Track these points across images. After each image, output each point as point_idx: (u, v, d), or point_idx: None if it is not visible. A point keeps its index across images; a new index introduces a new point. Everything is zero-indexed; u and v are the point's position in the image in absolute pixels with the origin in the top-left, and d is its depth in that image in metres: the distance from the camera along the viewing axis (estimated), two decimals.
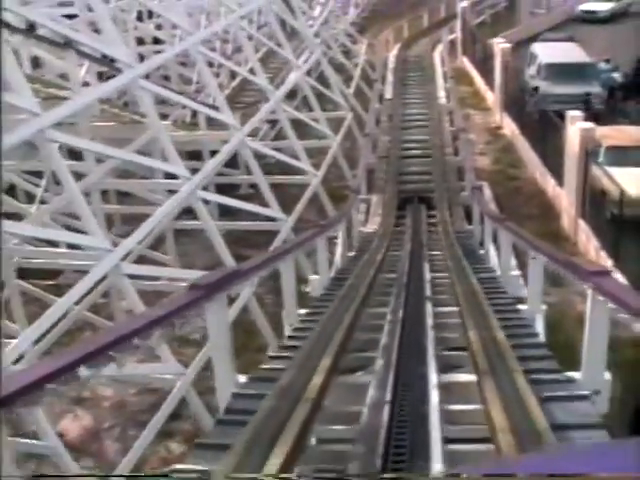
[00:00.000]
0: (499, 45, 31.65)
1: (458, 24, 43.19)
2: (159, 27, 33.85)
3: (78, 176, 17.43)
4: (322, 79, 30.38)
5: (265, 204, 19.93)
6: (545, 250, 9.21)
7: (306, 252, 14.81)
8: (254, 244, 20.35)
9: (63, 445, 12.53)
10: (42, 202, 19.97)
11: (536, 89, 29.28)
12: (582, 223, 20.68)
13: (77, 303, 14.37)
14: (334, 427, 5.97)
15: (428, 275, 12.83)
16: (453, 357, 7.74)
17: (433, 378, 6.51)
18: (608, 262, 18.48)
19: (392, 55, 40.82)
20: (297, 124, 24.98)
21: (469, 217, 21.30)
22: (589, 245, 20.02)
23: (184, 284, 14.84)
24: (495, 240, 15.95)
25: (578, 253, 19.82)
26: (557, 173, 22.78)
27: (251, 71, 25.63)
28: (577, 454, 1.59)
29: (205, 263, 19.29)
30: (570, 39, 36.94)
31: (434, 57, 39.53)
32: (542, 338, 8.66)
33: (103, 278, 13.48)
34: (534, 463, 1.57)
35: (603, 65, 31.31)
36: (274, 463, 4.38)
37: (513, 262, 14.03)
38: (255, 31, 31.26)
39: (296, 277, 10.51)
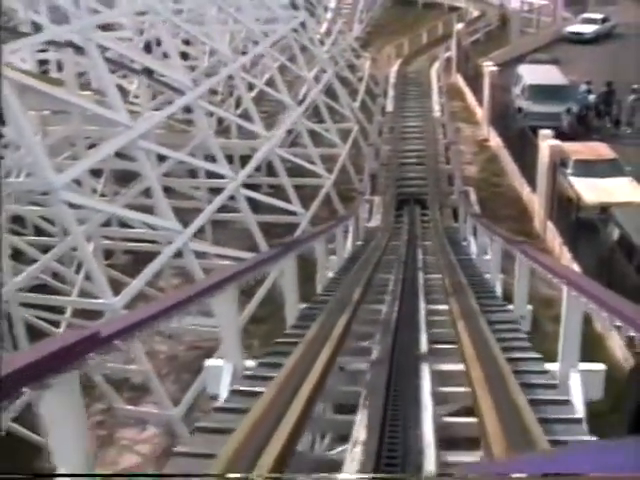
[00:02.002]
0: (487, 68, 35.82)
1: (453, 43, 47.25)
2: (187, 42, 37.77)
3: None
4: (329, 92, 34.41)
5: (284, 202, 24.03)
6: (499, 232, 13.50)
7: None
8: (275, 234, 24.41)
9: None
10: (102, 195, 24.08)
11: (520, 109, 33.28)
12: (550, 224, 24.88)
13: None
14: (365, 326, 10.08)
15: (421, 257, 17.01)
16: (436, 298, 11.87)
17: (422, 305, 10.69)
18: (568, 255, 22.70)
19: (393, 71, 45.03)
20: (309, 133, 29.05)
21: (456, 217, 25.48)
22: (555, 242, 24.18)
23: (227, 262, 18.93)
24: (475, 234, 20.14)
25: (546, 248, 23.93)
26: (532, 181, 26.98)
27: (269, 84, 29.86)
28: (574, 453, 1.60)
29: (236, 248, 23.35)
30: (555, 61, 41.05)
31: (431, 74, 43.75)
32: (496, 290, 12.89)
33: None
34: (530, 463, 1.59)
35: (584, 86, 35.20)
36: (340, 325, 8.46)
37: (488, 249, 18.14)
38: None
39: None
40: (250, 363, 7.77)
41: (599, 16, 52.66)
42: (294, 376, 6.60)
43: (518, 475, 1.46)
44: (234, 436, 4.98)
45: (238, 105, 33.13)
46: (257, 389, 6.45)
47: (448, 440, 5.82)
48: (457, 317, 9.05)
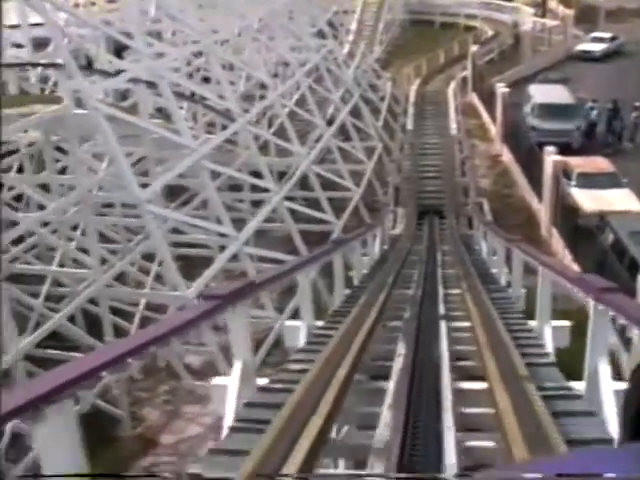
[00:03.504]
0: (499, 89, 38.97)
1: (469, 64, 50.34)
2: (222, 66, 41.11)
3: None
4: (354, 111, 37.55)
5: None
6: (501, 234, 16.67)
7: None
8: (310, 242, 27.56)
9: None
10: None
11: (534, 127, 36.16)
12: (554, 230, 27.96)
13: None
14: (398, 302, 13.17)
15: (439, 257, 20.13)
16: (451, 285, 14.95)
17: (440, 288, 13.82)
18: (569, 257, 25.72)
19: (413, 90, 48.30)
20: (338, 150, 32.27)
21: (471, 225, 28.62)
22: (558, 246, 27.24)
23: (269, 265, 22.04)
24: (486, 239, 23.24)
25: (551, 252, 26.93)
26: (539, 193, 30.06)
27: (297, 104, 33.20)
28: (590, 456, 1.59)
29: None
30: (565, 80, 44.01)
31: (448, 93, 46.88)
32: (500, 280, 16.02)
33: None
34: (544, 466, 1.57)
35: (590, 104, 38.05)
36: (380, 299, 11.58)
37: (496, 251, 21.21)
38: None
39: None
40: (319, 323, 10.93)
41: (608, 35, 55.20)
42: (352, 329, 9.71)
43: (533, 476, 1.47)
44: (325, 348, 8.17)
45: (270, 124, 36.39)
46: (330, 333, 9.63)
47: (458, 358, 8.85)
48: (466, 293, 12.19)
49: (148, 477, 5.92)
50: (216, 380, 7.72)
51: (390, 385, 7.22)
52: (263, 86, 33.78)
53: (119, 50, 32.32)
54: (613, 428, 6.21)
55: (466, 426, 6.33)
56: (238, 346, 7.17)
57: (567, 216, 26.97)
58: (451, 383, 7.16)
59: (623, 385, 7.24)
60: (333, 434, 6.25)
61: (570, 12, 59.86)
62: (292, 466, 4.99)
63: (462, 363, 8.45)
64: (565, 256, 26.09)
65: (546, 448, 5.12)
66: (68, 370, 4.08)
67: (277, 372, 8.22)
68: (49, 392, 3.59)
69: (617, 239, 23.15)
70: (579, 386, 7.34)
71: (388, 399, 6.67)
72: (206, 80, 35.51)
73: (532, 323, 10.62)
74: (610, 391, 6.87)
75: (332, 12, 50.31)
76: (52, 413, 3.61)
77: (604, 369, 6.99)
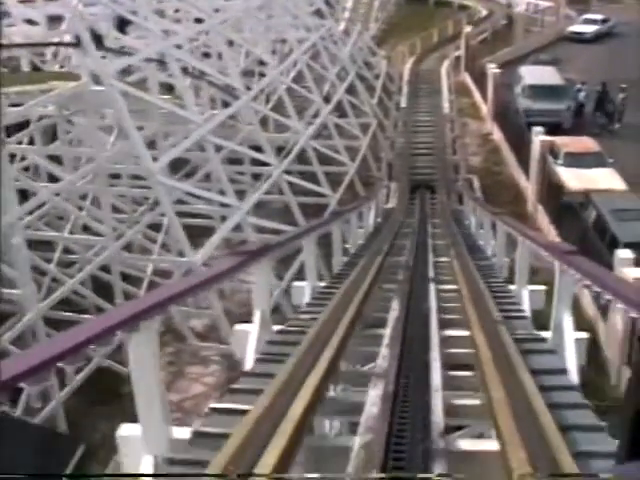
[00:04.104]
0: (491, 70, 40.18)
1: (462, 44, 51.43)
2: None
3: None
4: (349, 88, 38.66)
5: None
6: (487, 208, 17.98)
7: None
8: (305, 214, 28.82)
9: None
10: None
11: (525, 108, 37.29)
12: (540, 207, 29.28)
13: None
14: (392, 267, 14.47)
15: (430, 229, 21.42)
16: (440, 254, 16.24)
17: (430, 256, 15.12)
18: (554, 233, 27.04)
19: (407, 68, 49.45)
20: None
21: (462, 201, 29.90)
22: (544, 222, 28.57)
23: (268, 235, 23.30)
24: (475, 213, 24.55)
25: (537, 227, 28.26)
26: (526, 170, 31.37)
27: (295, 81, 34.31)
28: None
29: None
30: (555, 61, 45.23)
31: (441, 72, 48.04)
32: (486, 250, 17.36)
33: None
34: None
35: (578, 85, 39.25)
36: (377, 263, 12.87)
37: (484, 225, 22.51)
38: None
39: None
40: (323, 283, 12.24)
41: (599, 16, 56.25)
42: (352, 289, 10.99)
43: None
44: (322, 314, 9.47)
45: (268, 100, 37.50)
46: (333, 291, 10.93)
47: (444, 311, 10.16)
48: (454, 260, 13.52)
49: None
50: (238, 326, 9.02)
51: (387, 331, 8.54)
52: (262, 63, 34.93)
53: (121, 25, 33.28)
54: (571, 365, 7.57)
55: (449, 360, 7.65)
56: (259, 297, 8.47)
57: (553, 193, 28.27)
58: (438, 330, 8.48)
59: (583, 335, 8.61)
60: (341, 366, 7.55)
61: None
62: (309, 388, 6.26)
63: (448, 315, 9.76)
64: (550, 232, 27.40)
65: (514, 375, 6.44)
66: (151, 297, 5.39)
67: (290, 320, 9.49)
68: (143, 311, 4.89)
69: (599, 216, 24.40)
70: (546, 334, 8.68)
71: (385, 340, 7.99)
72: (206, 56, 36.62)
73: (512, 287, 11.95)
74: (571, 338, 8.19)
75: None
76: (145, 327, 4.91)
77: (567, 319, 8.32)
